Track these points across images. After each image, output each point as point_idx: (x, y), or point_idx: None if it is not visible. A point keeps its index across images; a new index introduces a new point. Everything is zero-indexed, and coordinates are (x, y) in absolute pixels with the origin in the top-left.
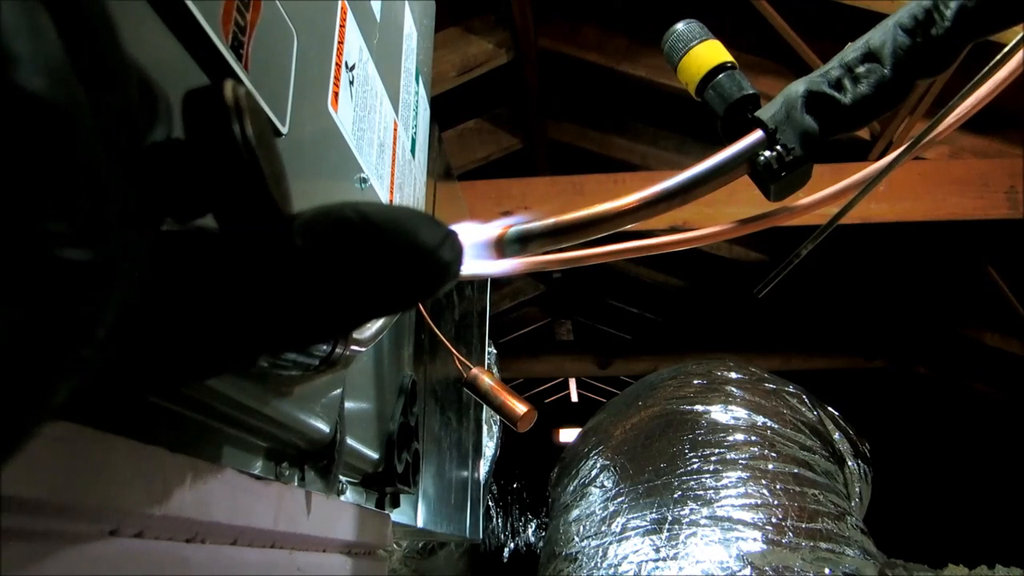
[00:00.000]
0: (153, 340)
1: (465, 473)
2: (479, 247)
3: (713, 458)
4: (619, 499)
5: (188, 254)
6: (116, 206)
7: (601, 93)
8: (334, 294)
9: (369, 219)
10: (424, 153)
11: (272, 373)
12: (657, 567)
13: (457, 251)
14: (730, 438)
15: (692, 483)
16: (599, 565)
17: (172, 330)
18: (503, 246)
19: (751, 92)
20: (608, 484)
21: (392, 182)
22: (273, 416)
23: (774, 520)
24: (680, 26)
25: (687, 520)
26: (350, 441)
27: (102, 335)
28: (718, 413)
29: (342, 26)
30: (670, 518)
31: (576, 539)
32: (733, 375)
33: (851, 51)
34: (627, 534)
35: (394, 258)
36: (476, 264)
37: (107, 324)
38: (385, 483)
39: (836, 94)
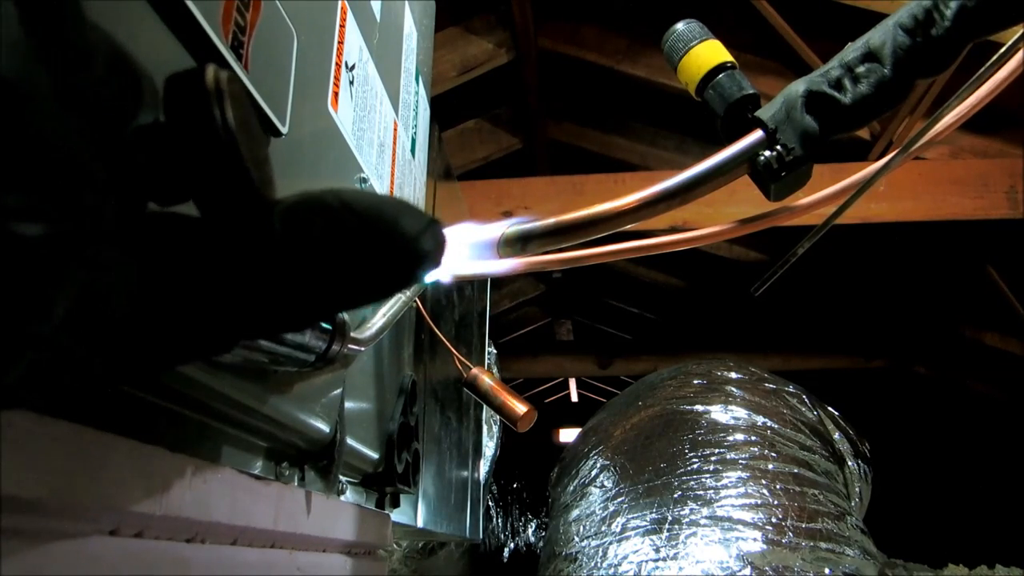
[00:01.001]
0: (127, 322)
1: (465, 473)
2: (479, 247)
3: (713, 458)
4: (619, 499)
5: (166, 236)
6: (80, 185)
7: (601, 93)
8: (312, 280)
9: (350, 206)
10: (424, 153)
11: (270, 370)
12: (657, 567)
13: (439, 240)
14: (730, 438)
15: (692, 483)
16: (599, 565)
17: (147, 313)
18: (503, 246)
19: (751, 92)
20: (608, 484)
21: (392, 182)
22: (273, 416)
23: (774, 520)
24: (680, 26)
25: (687, 520)
26: (350, 441)
27: (61, 312)
28: (718, 413)
29: (342, 26)
30: (670, 518)
31: (576, 539)
32: (733, 375)
33: (851, 51)
34: (627, 534)
35: (374, 246)
36: (476, 264)
37: (66, 301)
38: (385, 483)
39: (836, 94)
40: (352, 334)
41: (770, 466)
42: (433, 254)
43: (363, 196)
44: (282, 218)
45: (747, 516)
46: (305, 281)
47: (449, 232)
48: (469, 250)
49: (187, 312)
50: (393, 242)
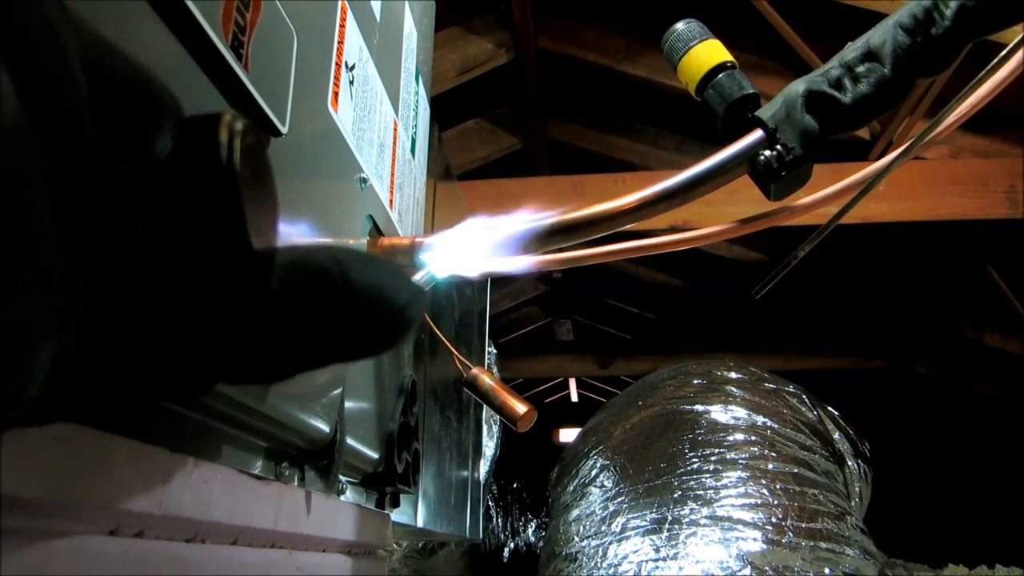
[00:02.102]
0: (106, 362)
1: (465, 473)
2: (480, 247)
3: (713, 458)
4: (619, 499)
5: (159, 280)
6: (35, 265)
7: (601, 93)
8: (300, 341)
9: (349, 281)
10: (424, 153)
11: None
12: (657, 567)
13: (422, 308)
14: (730, 438)
15: (692, 483)
16: (599, 565)
17: (129, 354)
18: (504, 246)
19: (751, 91)
20: (608, 484)
21: (392, 182)
22: (273, 416)
23: (774, 520)
24: (680, 26)
25: (687, 520)
26: (350, 441)
27: (34, 392)
28: (718, 413)
29: (342, 26)
30: (670, 518)
31: (576, 539)
32: (733, 375)
33: (851, 51)
34: (627, 534)
35: (368, 322)
36: (477, 264)
37: (37, 380)
38: (385, 483)
39: (836, 93)
40: None
41: (770, 466)
42: (417, 321)
43: (362, 266)
44: (281, 277)
45: (747, 516)
46: (293, 342)
47: (452, 233)
48: (471, 249)
49: (171, 353)
50: (386, 318)
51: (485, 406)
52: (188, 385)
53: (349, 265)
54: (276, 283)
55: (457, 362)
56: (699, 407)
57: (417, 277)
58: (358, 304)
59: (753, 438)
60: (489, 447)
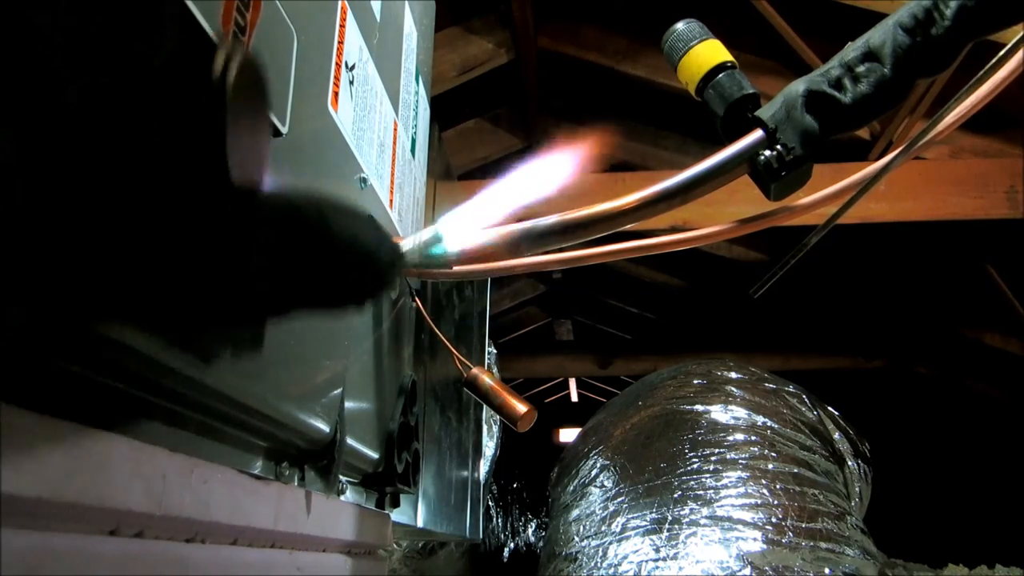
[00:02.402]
0: (69, 287)
1: (465, 473)
2: (480, 246)
3: (713, 458)
4: (619, 499)
5: (130, 198)
6: None
7: (601, 93)
8: (267, 279)
9: (329, 230)
10: (424, 153)
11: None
12: (657, 567)
13: (397, 267)
14: (730, 438)
15: (692, 483)
16: (599, 565)
17: (91, 277)
18: (505, 245)
19: (751, 91)
20: (608, 484)
21: (392, 182)
22: (273, 416)
23: (774, 520)
24: (680, 26)
25: (687, 520)
26: (350, 441)
27: None
28: (718, 413)
29: (342, 26)
30: (670, 518)
31: (576, 539)
32: (733, 375)
33: (851, 50)
34: (627, 534)
35: (338, 269)
36: (476, 263)
37: None
38: (385, 483)
39: (836, 93)
40: None
41: (770, 466)
42: (394, 282)
43: (344, 219)
44: (265, 209)
45: (747, 516)
46: (260, 279)
47: (454, 232)
48: (470, 249)
49: (129, 275)
50: (357, 269)
51: (485, 406)
52: (140, 307)
53: (330, 214)
54: (249, 219)
55: (457, 362)
56: (699, 407)
57: (424, 234)
58: (330, 250)
59: (753, 438)
60: (489, 447)
